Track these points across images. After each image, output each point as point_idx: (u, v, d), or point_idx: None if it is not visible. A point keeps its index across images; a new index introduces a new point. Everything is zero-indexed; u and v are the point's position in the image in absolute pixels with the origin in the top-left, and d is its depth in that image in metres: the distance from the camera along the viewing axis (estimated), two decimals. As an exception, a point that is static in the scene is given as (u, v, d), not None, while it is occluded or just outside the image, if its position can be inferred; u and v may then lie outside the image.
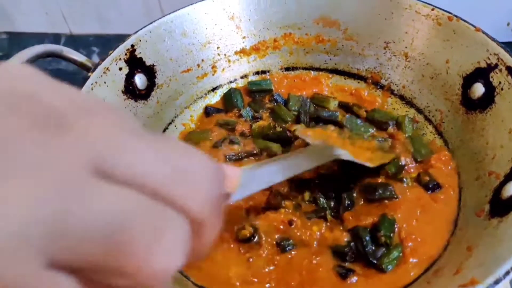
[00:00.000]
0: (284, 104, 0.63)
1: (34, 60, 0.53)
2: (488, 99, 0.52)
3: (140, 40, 0.57)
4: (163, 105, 0.61)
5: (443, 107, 0.58)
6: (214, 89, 0.66)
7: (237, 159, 0.56)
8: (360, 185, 0.52)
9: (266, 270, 0.47)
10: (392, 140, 0.57)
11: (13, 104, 0.16)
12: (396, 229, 0.48)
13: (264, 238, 0.48)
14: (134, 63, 0.57)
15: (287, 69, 0.68)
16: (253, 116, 0.62)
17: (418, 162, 0.55)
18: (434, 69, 0.59)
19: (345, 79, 0.67)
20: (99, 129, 0.17)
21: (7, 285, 0.14)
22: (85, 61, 0.56)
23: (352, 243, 0.47)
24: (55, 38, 0.91)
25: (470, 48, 0.54)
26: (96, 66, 0.53)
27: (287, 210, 0.50)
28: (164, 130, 0.61)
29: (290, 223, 0.49)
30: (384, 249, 0.47)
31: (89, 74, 0.52)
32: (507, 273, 0.36)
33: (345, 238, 0.48)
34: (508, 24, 0.76)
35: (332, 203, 0.51)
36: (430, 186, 0.52)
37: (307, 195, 0.52)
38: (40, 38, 0.91)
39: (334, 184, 0.52)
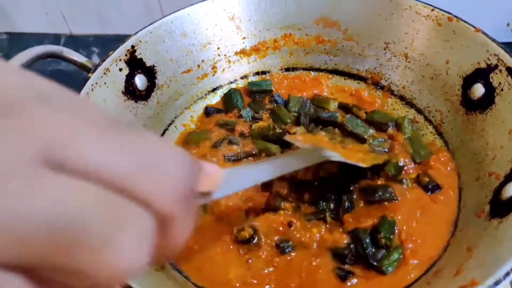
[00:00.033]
0: (284, 105, 0.63)
1: (34, 61, 0.53)
2: (488, 100, 0.52)
3: (140, 41, 0.57)
4: (163, 105, 0.61)
5: (443, 108, 0.58)
6: (214, 90, 0.66)
7: (236, 160, 0.56)
8: (360, 187, 0.52)
9: (266, 271, 0.47)
10: (391, 141, 0.57)
11: None
12: (396, 231, 0.48)
13: (263, 240, 0.48)
14: (135, 63, 0.57)
15: (287, 69, 0.68)
16: (253, 116, 0.62)
17: (417, 163, 0.55)
18: (434, 69, 0.59)
19: (345, 79, 0.67)
20: (52, 117, 0.16)
21: None
22: (85, 62, 0.56)
23: (352, 245, 0.47)
24: (55, 38, 0.91)
25: (470, 48, 0.54)
26: (96, 67, 0.53)
27: (286, 211, 0.50)
28: (165, 131, 0.61)
29: (290, 224, 0.49)
30: (384, 251, 0.47)
31: (89, 75, 0.52)
32: (507, 274, 0.36)
33: (344, 240, 0.48)
34: (508, 24, 0.76)
35: (332, 205, 0.51)
36: (430, 187, 0.52)
37: (306, 196, 0.52)
38: (40, 38, 0.91)
39: (334, 186, 0.52)
